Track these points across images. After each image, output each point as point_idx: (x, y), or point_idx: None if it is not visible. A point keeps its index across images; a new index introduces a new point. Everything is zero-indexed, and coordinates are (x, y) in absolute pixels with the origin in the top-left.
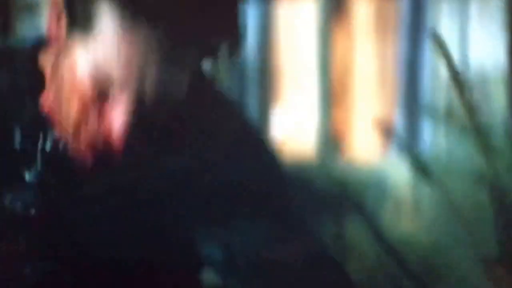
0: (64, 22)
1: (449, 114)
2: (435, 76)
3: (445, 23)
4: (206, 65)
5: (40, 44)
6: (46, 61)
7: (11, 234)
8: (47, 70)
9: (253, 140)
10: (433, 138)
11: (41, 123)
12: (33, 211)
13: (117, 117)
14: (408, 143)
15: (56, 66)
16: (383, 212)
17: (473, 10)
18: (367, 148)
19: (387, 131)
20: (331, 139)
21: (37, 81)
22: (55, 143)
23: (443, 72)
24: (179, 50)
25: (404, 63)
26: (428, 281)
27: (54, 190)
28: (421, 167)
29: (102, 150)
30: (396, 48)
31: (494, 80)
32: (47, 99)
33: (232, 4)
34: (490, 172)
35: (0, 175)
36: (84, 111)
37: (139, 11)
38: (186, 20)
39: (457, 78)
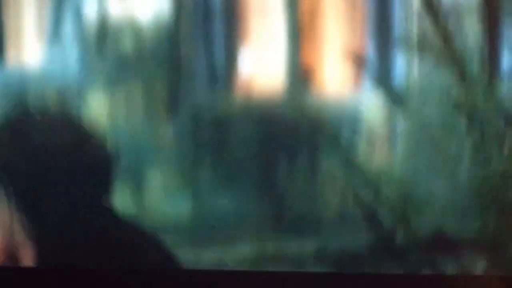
0: None
1: (422, 44)
2: (407, 4)
3: None
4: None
5: None
6: None
7: None
8: None
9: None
10: (407, 68)
11: None
12: None
13: None
14: (381, 74)
15: None
16: (357, 146)
17: None
18: (338, 82)
19: (358, 62)
20: (301, 74)
21: None
22: None
23: (416, 0)
24: None
25: None
26: (406, 213)
27: None
28: (395, 98)
29: None
30: None
31: (468, 8)
32: None
33: None
34: (466, 100)
35: None
36: None
37: None
38: None
39: (431, 5)
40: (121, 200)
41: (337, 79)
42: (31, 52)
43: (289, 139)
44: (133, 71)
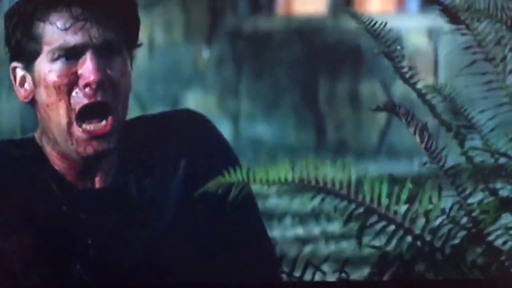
0: (28, 81)
1: None
2: None
3: None
4: None
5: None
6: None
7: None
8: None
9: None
10: None
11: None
12: None
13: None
14: None
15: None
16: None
17: None
18: (381, 0)
19: None
20: None
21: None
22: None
23: None
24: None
25: None
26: (458, 126)
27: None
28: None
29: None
30: None
31: None
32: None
33: None
34: None
35: None
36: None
37: None
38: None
39: None
40: None
41: (380, 0)
42: None
43: (330, 62)
44: None
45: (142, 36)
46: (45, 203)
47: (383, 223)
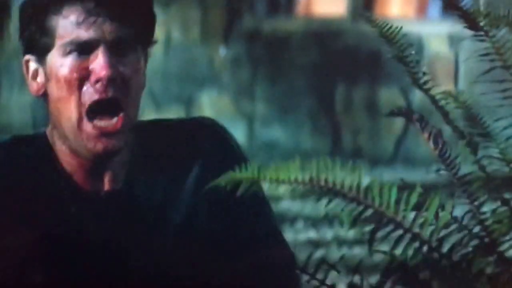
0: (40, 75)
1: None
2: None
3: None
4: None
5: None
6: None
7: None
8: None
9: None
10: None
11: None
12: None
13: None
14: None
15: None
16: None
17: None
18: (402, 6)
19: None
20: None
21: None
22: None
23: None
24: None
25: None
26: (474, 135)
27: None
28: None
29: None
30: None
31: None
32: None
33: None
34: None
35: None
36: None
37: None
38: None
39: None
40: None
41: (401, 6)
42: None
43: (348, 67)
44: None
45: (159, 34)
46: (53, 204)
47: (391, 227)
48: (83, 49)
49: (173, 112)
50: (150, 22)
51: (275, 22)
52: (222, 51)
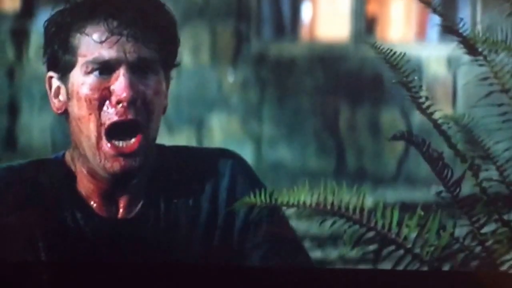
0: (62, 92)
1: None
2: None
3: None
4: None
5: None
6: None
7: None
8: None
9: None
10: (471, 14)
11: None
12: None
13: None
14: (448, 20)
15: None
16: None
17: None
18: (402, 29)
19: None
20: (366, 22)
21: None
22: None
23: None
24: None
25: None
26: (473, 157)
27: None
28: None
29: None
30: None
31: None
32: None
33: None
34: None
35: None
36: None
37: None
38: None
39: None
40: None
41: (401, 29)
42: None
43: (351, 89)
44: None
45: None
46: (67, 230)
47: (392, 247)
48: (105, 68)
49: (185, 134)
50: (173, 44)
51: (280, 46)
52: (230, 76)
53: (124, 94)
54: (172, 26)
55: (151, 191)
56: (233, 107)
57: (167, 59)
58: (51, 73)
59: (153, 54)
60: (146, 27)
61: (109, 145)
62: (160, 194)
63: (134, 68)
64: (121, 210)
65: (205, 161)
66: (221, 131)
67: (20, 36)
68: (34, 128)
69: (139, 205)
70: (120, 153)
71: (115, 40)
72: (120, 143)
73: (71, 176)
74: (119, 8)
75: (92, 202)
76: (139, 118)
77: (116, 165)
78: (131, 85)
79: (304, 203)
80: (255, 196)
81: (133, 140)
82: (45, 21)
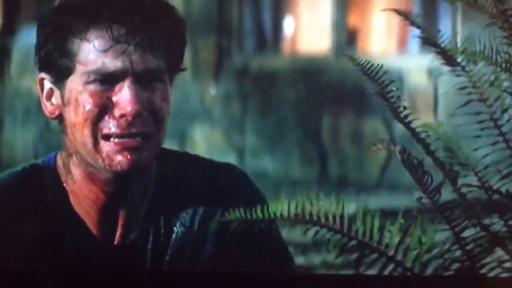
0: (55, 96)
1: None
2: None
3: None
4: None
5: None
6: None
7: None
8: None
9: None
10: (452, 25)
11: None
12: None
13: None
14: (427, 32)
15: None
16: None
17: None
18: (383, 41)
19: (405, 18)
20: (347, 34)
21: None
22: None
23: None
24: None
25: None
26: (454, 169)
27: None
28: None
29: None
30: None
31: None
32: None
33: None
34: None
35: None
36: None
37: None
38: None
39: None
40: None
41: (382, 41)
42: None
43: (333, 100)
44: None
45: None
46: (61, 244)
47: (375, 255)
48: (108, 79)
49: (167, 146)
50: (181, 49)
51: (262, 59)
52: (213, 89)
53: (129, 108)
54: (181, 31)
55: (150, 211)
56: (215, 120)
57: (173, 64)
58: (43, 75)
59: (161, 64)
60: (154, 34)
61: (108, 143)
62: (160, 215)
63: (140, 79)
64: (117, 237)
65: (212, 174)
66: (204, 143)
67: (1, 53)
68: (17, 143)
69: (136, 232)
70: (125, 147)
71: (121, 50)
72: (124, 139)
73: (64, 190)
74: (124, 13)
75: (88, 220)
76: (147, 129)
77: (122, 160)
78: (137, 98)
79: (282, 215)
80: (234, 212)
81: (138, 138)
82: (40, 18)
